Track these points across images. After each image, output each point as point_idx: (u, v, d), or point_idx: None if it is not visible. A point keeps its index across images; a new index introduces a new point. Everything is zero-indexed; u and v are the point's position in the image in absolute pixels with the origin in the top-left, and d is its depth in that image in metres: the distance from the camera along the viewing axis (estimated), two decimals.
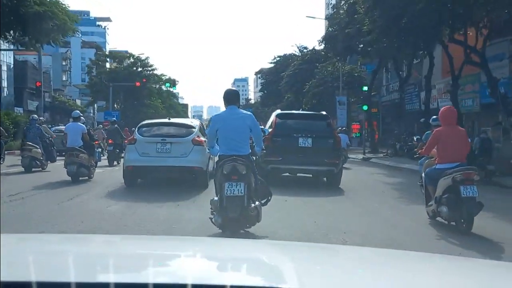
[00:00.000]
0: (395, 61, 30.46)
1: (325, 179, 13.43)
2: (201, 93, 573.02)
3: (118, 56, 65.62)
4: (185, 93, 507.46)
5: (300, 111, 18.02)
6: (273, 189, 7.76)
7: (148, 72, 64.65)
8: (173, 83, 60.05)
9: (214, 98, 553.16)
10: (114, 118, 48.43)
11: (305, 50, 56.79)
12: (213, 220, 6.47)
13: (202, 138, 12.04)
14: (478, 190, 7.24)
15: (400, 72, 32.95)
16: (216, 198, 6.49)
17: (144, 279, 1.43)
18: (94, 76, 62.37)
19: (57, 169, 14.85)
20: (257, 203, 6.56)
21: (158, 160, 11.61)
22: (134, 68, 62.55)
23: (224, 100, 6.94)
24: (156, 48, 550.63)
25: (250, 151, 6.81)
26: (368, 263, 1.97)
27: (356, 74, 41.64)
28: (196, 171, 11.72)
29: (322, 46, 37.12)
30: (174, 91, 79.03)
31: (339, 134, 21.25)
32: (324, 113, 14.72)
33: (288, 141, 12.63)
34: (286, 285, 1.36)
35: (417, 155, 9.94)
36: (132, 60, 64.57)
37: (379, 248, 3.24)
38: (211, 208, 6.59)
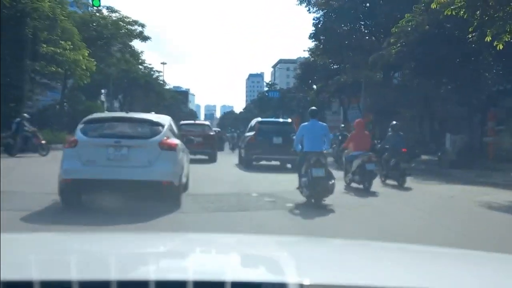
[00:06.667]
0: None
1: (289, 165, 18.46)
2: (214, 92, 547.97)
3: None
4: (198, 92, 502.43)
5: (274, 119, 25.41)
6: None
7: None
8: None
9: (227, 97, 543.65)
10: None
11: None
12: (302, 193, 9.61)
13: (174, 141, 9.08)
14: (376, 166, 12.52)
15: None
16: (304, 179, 9.55)
17: (145, 276, 1.44)
18: None
19: None
20: (333, 181, 9.56)
21: (110, 172, 8.43)
22: None
23: (309, 115, 10.62)
24: (167, 49, 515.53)
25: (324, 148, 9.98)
26: (369, 257, 2.03)
27: None
28: (164, 187, 8.51)
29: None
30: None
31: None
32: (289, 120, 22.48)
33: (265, 139, 19.10)
34: (286, 279, 1.39)
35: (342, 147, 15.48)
36: None
37: (380, 242, 3.53)
38: (300, 185, 9.74)
